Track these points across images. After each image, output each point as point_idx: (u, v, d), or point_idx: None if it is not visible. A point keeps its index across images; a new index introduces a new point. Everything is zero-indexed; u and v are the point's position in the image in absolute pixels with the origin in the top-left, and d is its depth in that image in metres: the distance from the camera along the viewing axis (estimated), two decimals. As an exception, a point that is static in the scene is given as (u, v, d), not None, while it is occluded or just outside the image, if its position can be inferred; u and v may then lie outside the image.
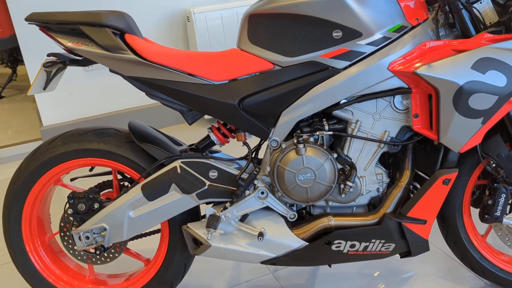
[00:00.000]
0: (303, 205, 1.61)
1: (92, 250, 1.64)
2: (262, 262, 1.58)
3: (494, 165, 1.53)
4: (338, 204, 1.58)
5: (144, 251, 1.87)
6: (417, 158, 1.61)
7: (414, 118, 1.45)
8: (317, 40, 1.41)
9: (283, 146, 1.50)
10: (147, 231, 1.74)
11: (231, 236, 1.56)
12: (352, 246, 1.55)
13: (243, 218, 1.57)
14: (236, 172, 1.53)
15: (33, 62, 3.36)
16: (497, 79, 1.33)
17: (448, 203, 1.63)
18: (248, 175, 1.52)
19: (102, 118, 3.61)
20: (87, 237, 1.58)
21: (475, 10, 1.43)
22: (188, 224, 1.58)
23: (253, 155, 1.59)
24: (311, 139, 1.49)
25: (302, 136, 1.48)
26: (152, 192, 1.53)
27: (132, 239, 1.70)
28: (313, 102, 1.44)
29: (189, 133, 3.64)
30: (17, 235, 1.64)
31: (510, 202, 1.60)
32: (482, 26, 1.44)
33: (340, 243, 1.55)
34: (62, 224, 1.63)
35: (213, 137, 1.58)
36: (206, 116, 1.43)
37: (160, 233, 1.73)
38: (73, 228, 1.60)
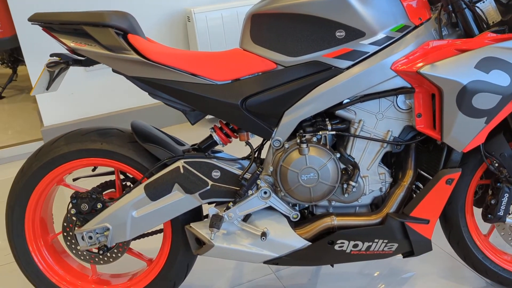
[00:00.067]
0: (306, 205, 1.61)
1: (95, 250, 1.64)
2: (265, 262, 1.58)
3: (497, 164, 1.53)
4: (341, 204, 1.58)
5: (146, 251, 1.87)
6: (420, 157, 1.60)
7: (417, 118, 1.45)
8: (320, 40, 1.41)
9: (286, 146, 1.50)
10: (150, 231, 1.74)
11: (234, 236, 1.56)
12: (355, 246, 1.55)
13: (246, 218, 1.57)
14: (239, 172, 1.53)
15: (34, 63, 3.36)
16: (500, 79, 1.33)
17: (451, 203, 1.63)
18: (251, 175, 1.52)
19: (102, 118, 3.61)
20: (90, 237, 1.58)
21: (478, 10, 1.43)
22: (191, 224, 1.58)
23: (255, 155, 1.59)
24: (314, 139, 1.49)
25: (305, 136, 1.48)
26: (155, 192, 1.53)
27: (135, 239, 1.69)
28: (316, 102, 1.45)
29: (190, 133, 3.64)
30: (20, 235, 1.64)
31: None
32: (485, 26, 1.44)
33: (343, 243, 1.55)
34: (65, 224, 1.63)
35: (215, 137, 1.58)
36: (208, 116, 1.43)
37: (162, 233, 1.73)
38: (76, 228, 1.59)
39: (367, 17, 1.38)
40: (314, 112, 1.46)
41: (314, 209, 1.61)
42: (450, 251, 1.99)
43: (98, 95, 3.60)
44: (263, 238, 1.52)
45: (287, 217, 1.57)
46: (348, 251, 1.56)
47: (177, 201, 1.54)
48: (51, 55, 1.51)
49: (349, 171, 1.52)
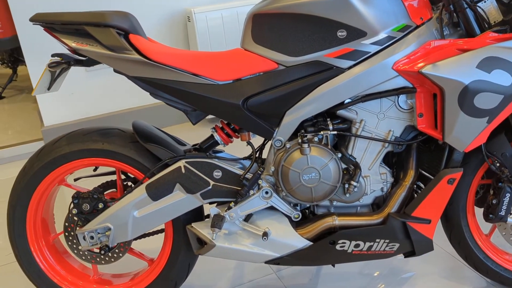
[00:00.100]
0: (307, 205, 1.61)
1: (97, 250, 1.64)
2: (266, 262, 1.58)
3: (498, 164, 1.53)
4: (342, 204, 1.58)
5: (147, 251, 1.87)
6: (421, 157, 1.61)
7: (418, 118, 1.45)
8: (322, 40, 1.41)
9: (288, 146, 1.50)
10: (151, 231, 1.74)
11: (235, 236, 1.56)
12: (357, 246, 1.55)
13: (247, 218, 1.57)
14: (240, 172, 1.53)
15: (34, 63, 3.36)
16: (502, 78, 1.33)
17: (452, 202, 1.63)
18: (252, 175, 1.52)
19: (103, 118, 3.61)
20: (92, 237, 1.58)
21: (479, 9, 1.44)
22: (193, 224, 1.58)
23: (257, 155, 1.59)
24: (316, 139, 1.49)
25: (306, 136, 1.48)
26: (157, 192, 1.53)
27: (136, 239, 1.69)
28: (317, 102, 1.44)
29: (191, 133, 3.64)
30: (22, 235, 1.64)
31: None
32: (486, 25, 1.44)
33: (345, 242, 1.55)
34: (66, 224, 1.62)
35: (217, 137, 1.58)
36: (208, 116, 1.43)
37: (163, 233, 1.73)
38: (78, 228, 1.59)
39: (369, 17, 1.38)
40: (316, 112, 1.46)
41: (315, 209, 1.61)
42: (450, 250, 1.99)
43: (99, 95, 3.60)
44: (265, 238, 1.52)
45: (289, 217, 1.57)
46: (349, 251, 1.56)
47: (179, 201, 1.54)
48: (53, 55, 1.51)
49: (351, 171, 1.52)
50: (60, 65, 1.51)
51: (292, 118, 1.47)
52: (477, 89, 1.34)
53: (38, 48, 3.34)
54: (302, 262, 1.59)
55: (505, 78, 1.33)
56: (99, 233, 1.58)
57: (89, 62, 1.55)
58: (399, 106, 1.48)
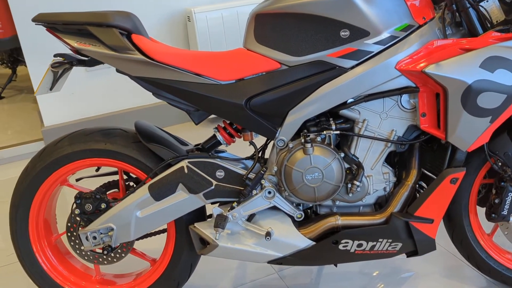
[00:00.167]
0: (310, 205, 1.61)
1: (99, 250, 1.63)
2: (269, 262, 1.58)
3: (500, 163, 1.54)
4: (345, 204, 1.58)
5: (149, 251, 1.87)
6: (424, 157, 1.61)
7: (421, 117, 1.45)
8: (324, 40, 1.41)
9: (290, 145, 1.50)
10: (153, 231, 1.73)
11: (238, 236, 1.56)
12: (359, 245, 1.55)
13: (250, 218, 1.57)
14: (243, 171, 1.53)
15: (35, 63, 3.36)
16: (505, 78, 1.34)
17: (454, 202, 1.63)
18: (255, 174, 1.52)
19: (103, 118, 3.61)
20: (94, 237, 1.57)
21: (481, 9, 1.44)
22: (195, 224, 1.58)
23: (259, 155, 1.59)
24: (318, 139, 1.49)
25: (309, 136, 1.48)
26: (159, 192, 1.53)
27: (138, 239, 1.69)
28: (320, 102, 1.44)
29: (192, 133, 3.64)
30: (24, 235, 1.64)
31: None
32: (489, 25, 1.44)
33: (347, 242, 1.55)
34: (69, 224, 1.62)
35: (219, 137, 1.58)
36: (210, 116, 1.43)
37: (165, 233, 1.73)
38: (80, 228, 1.59)
39: (372, 16, 1.38)
40: (318, 112, 1.46)
41: (318, 209, 1.61)
42: (452, 250, 2.00)
43: (99, 95, 3.59)
44: (268, 238, 1.52)
45: (291, 217, 1.57)
46: (352, 250, 1.56)
47: (181, 201, 1.54)
48: (55, 55, 1.51)
49: (354, 170, 1.52)
50: (63, 65, 1.51)
51: (295, 118, 1.47)
52: (480, 88, 1.34)
53: (39, 48, 3.33)
54: (305, 262, 1.59)
55: (508, 78, 1.34)
56: (101, 233, 1.58)
57: (92, 62, 1.54)
58: (402, 105, 1.48)
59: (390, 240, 1.55)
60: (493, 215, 1.57)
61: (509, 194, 1.54)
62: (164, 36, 3.66)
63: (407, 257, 1.63)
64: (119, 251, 1.65)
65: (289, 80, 1.45)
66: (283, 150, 1.52)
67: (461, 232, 1.67)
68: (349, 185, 1.52)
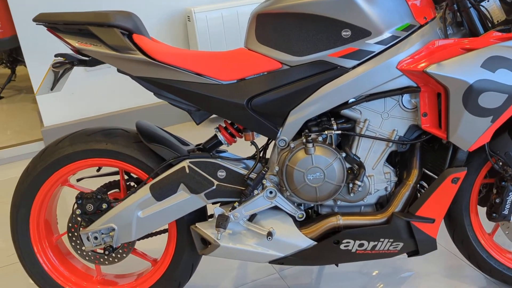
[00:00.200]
0: (311, 205, 1.61)
1: (100, 251, 1.63)
2: (270, 262, 1.58)
3: (501, 163, 1.54)
4: (346, 203, 1.58)
5: (150, 251, 1.87)
6: (425, 157, 1.61)
7: (422, 117, 1.46)
8: (326, 39, 1.41)
9: (292, 145, 1.50)
10: (154, 231, 1.73)
11: (240, 236, 1.56)
12: (361, 245, 1.56)
13: (251, 218, 1.57)
14: (244, 171, 1.53)
15: (34, 63, 3.35)
16: (506, 78, 1.34)
17: (455, 202, 1.63)
18: (256, 174, 1.52)
19: (103, 118, 3.61)
20: (96, 238, 1.57)
21: (482, 9, 1.44)
22: (197, 224, 1.58)
23: (260, 155, 1.59)
24: (320, 139, 1.49)
25: (310, 136, 1.48)
26: (161, 192, 1.53)
27: (139, 239, 1.69)
28: (321, 102, 1.45)
29: (192, 132, 3.64)
30: (25, 236, 1.64)
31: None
32: (490, 25, 1.45)
33: (349, 242, 1.55)
34: (70, 224, 1.62)
35: (220, 136, 1.58)
36: (211, 116, 1.44)
37: (166, 233, 1.73)
38: (81, 229, 1.59)
39: (373, 16, 1.38)
40: (320, 112, 1.46)
41: (319, 209, 1.61)
42: (453, 249, 2.00)
43: (99, 95, 3.59)
44: (269, 238, 1.52)
45: (293, 217, 1.57)
46: (353, 250, 1.56)
47: (183, 201, 1.54)
48: (56, 55, 1.51)
49: (355, 170, 1.52)
50: (64, 65, 1.50)
51: (296, 117, 1.47)
52: (481, 88, 1.34)
53: (38, 48, 3.33)
54: (306, 262, 1.59)
55: (509, 77, 1.34)
56: (103, 233, 1.58)
57: (93, 62, 1.54)
58: (403, 105, 1.48)
59: (391, 240, 1.55)
60: (494, 214, 1.57)
61: (509, 194, 1.54)
62: (164, 36, 3.66)
63: (408, 256, 1.63)
64: (120, 251, 1.65)
65: (290, 80, 1.45)
66: (285, 150, 1.52)
67: (462, 232, 1.68)
68: (351, 185, 1.52)
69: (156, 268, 1.70)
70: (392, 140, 1.50)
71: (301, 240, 1.54)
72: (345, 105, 1.47)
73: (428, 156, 1.61)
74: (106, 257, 1.65)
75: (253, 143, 1.59)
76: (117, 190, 1.68)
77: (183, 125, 3.82)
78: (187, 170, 1.51)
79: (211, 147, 1.61)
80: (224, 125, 1.60)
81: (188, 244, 1.64)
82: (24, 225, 1.63)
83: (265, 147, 1.65)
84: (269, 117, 1.49)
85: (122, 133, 1.59)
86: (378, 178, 1.55)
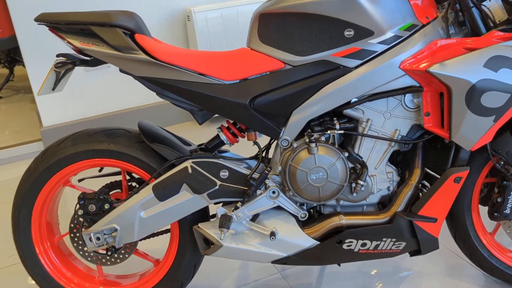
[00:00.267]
0: (314, 204, 1.61)
1: (103, 251, 1.63)
2: (273, 262, 1.58)
3: (503, 162, 1.54)
4: (349, 203, 1.58)
5: (151, 251, 1.87)
6: (427, 156, 1.61)
7: (425, 117, 1.46)
8: (329, 39, 1.41)
9: (294, 145, 1.50)
10: (157, 231, 1.73)
11: (243, 236, 1.56)
12: (363, 245, 1.56)
13: (254, 218, 1.57)
14: (247, 171, 1.53)
15: (33, 63, 3.34)
16: (509, 77, 1.34)
17: (457, 201, 1.63)
18: (259, 174, 1.52)
19: (103, 118, 3.60)
20: (98, 238, 1.57)
21: (484, 8, 1.44)
22: (199, 224, 1.57)
23: (263, 155, 1.59)
24: (322, 138, 1.49)
25: (313, 135, 1.48)
26: (163, 193, 1.53)
27: (141, 239, 1.69)
28: (324, 101, 1.45)
29: (193, 132, 3.63)
30: (27, 237, 1.63)
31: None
32: (492, 24, 1.45)
33: (352, 242, 1.55)
34: (72, 225, 1.62)
35: (223, 136, 1.58)
36: (213, 115, 1.44)
37: (169, 233, 1.73)
38: (84, 229, 1.59)
39: (376, 16, 1.38)
40: (322, 112, 1.46)
41: (322, 209, 1.61)
42: (454, 248, 2.00)
43: (99, 95, 3.58)
44: (272, 238, 1.52)
45: (295, 217, 1.57)
46: (356, 250, 1.56)
47: (185, 201, 1.53)
48: (58, 55, 1.50)
49: (358, 170, 1.52)
50: (66, 65, 1.50)
51: (299, 117, 1.47)
52: (484, 88, 1.34)
53: (37, 49, 3.32)
54: (309, 262, 1.59)
55: (512, 77, 1.34)
56: (105, 234, 1.57)
57: (95, 62, 1.54)
58: (406, 105, 1.48)
59: (394, 239, 1.55)
60: (495, 214, 1.58)
61: (511, 193, 1.54)
62: (164, 35, 3.65)
63: (410, 256, 1.63)
64: (123, 251, 1.64)
65: (293, 79, 1.45)
66: (287, 149, 1.52)
67: (463, 231, 1.68)
68: (353, 185, 1.52)
69: (159, 269, 1.70)
70: (395, 139, 1.50)
71: (304, 240, 1.54)
72: (348, 104, 1.47)
73: (430, 156, 1.62)
74: (108, 257, 1.65)
75: (255, 143, 1.59)
76: (119, 190, 1.68)
77: (183, 125, 3.81)
78: (190, 170, 1.51)
79: (214, 147, 1.61)
80: (226, 125, 1.60)
81: (191, 244, 1.64)
82: (26, 226, 1.62)
83: (268, 147, 1.65)
84: (271, 117, 1.49)
85: (124, 133, 1.59)
86: (380, 178, 1.55)
